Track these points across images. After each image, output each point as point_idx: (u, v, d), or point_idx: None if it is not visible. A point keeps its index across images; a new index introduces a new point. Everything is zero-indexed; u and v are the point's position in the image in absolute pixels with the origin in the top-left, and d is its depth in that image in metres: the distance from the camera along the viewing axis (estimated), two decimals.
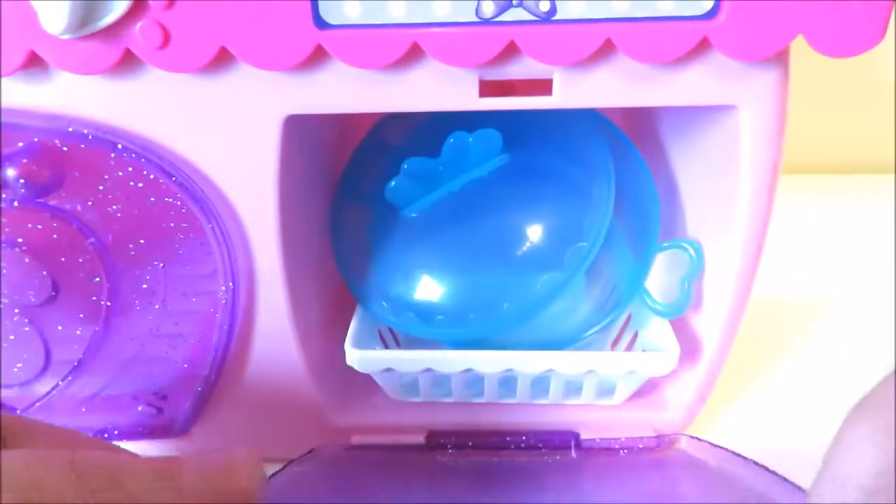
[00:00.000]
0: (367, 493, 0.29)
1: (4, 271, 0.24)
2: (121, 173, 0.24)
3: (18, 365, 0.26)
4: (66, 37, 0.20)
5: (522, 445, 0.30)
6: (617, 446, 0.30)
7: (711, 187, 0.27)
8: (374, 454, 0.30)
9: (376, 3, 0.21)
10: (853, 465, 0.17)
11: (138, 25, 0.21)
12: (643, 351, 0.29)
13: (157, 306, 0.26)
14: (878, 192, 0.51)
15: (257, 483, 0.20)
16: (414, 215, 0.28)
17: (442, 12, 0.21)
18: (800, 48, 0.21)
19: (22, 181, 0.23)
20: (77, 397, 0.27)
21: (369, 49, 0.21)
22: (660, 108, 0.25)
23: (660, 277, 0.29)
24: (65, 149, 0.23)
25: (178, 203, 0.24)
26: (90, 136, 0.23)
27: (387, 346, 0.31)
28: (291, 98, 0.22)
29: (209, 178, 0.24)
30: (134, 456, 0.20)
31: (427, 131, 0.28)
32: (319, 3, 0.20)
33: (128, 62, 0.21)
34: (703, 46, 0.21)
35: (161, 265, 0.25)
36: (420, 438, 0.30)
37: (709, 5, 0.21)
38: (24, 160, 0.23)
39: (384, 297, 0.29)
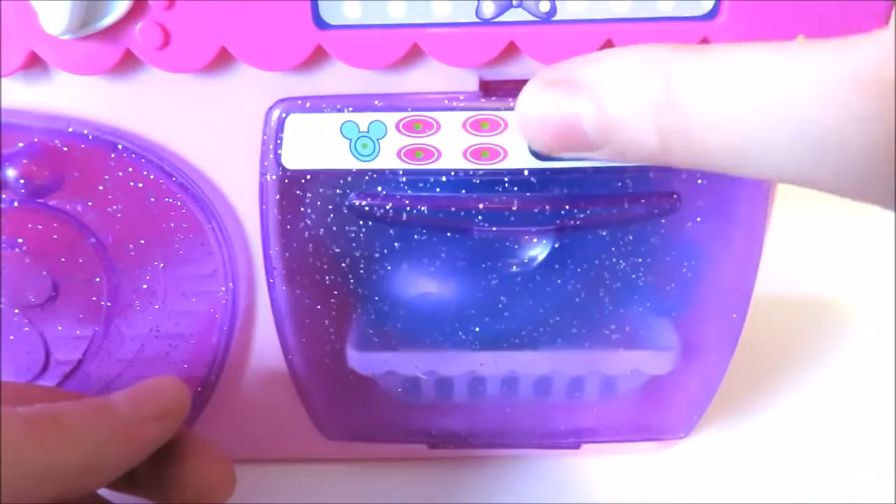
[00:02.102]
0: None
1: (4, 271, 0.24)
2: (121, 173, 0.24)
3: (18, 365, 0.26)
4: (66, 37, 0.20)
5: (524, 447, 0.30)
6: (618, 449, 0.31)
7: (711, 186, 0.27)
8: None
9: (376, 4, 0.21)
10: None
11: (138, 26, 0.21)
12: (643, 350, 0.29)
13: (157, 306, 0.26)
14: None
15: (184, 403, 0.23)
16: None
17: (442, 12, 0.21)
18: None
19: (22, 181, 0.23)
20: None
21: (369, 49, 0.21)
22: None
23: None
24: (65, 149, 0.23)
25: (178, 203, 0.24)
26: (90, 136, 0.23)
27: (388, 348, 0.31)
28: None
29: (209, 178, 0.24)
30: (73, 398, 0.23)
31: None
32: (319, 3, 0.21)
33: (128, 62, 0.21)
34: None
35: (161, 265, 0.25)
36: (421, 441, 0.30)
37: (709, 5, 0.21)
38: (24, 160, 0.23)
39: None
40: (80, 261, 0.25)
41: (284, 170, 0.23)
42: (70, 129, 0.23)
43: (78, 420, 0.20)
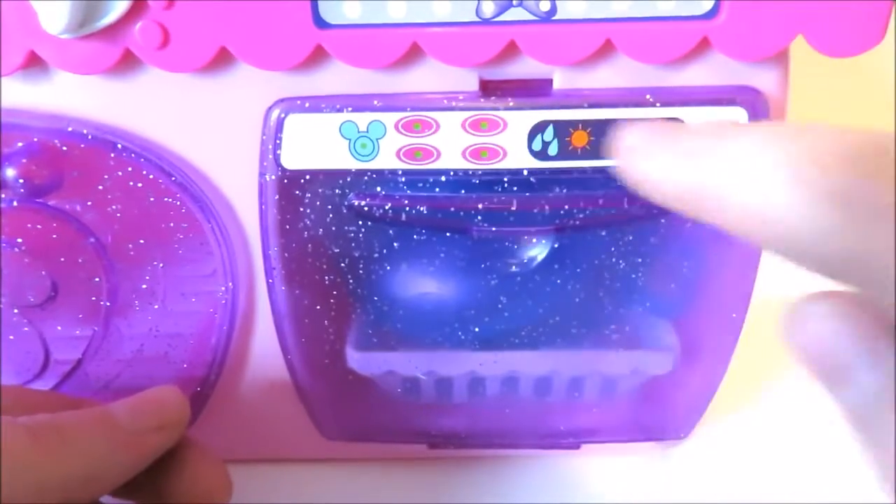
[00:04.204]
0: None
1: (4, 271, 0.24)
2: (121, 173, 0.24)
3: (17, 365, 0.26)
4: (65, 37, 0.20)
5: (524, 447, 0.30)
6: (618, 449, 0.31)
7: None
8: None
9: (376, 3, 0.21)
10: None
11: (138, 25, 0.20)
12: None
13: (156, 306, 0.26)
14: None
15: (185, 413, 0.23)
16: None
17: (442, 12, 0.21)
18: (800, 48, 0.21)
19: (22, 181, 0.23)
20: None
21: (369, 49, 0.21)
22: None
23: None
24: (65, 149, 0.23)
25: (178, 203, 0.24)
26: (90, 136, 0.23)
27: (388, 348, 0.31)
28: None
29: (209, 178, 0.24)
30: (73, 403, 0.23)
31: None
32: (319, 3, 0.20)
33: (128, 62, 0.21)
34: (703, 46, 0.21)
35: (161, 265, 0.25)
36: (421, 441, 0.30)
37: (709, 5, 0.21)
38: (24, 160, 0.23)
39: None
40: (80, 261, 0.25)
41: (284, 170, 0.23)
42: (70, 129, 0.23)
43: (80, 430, 0.20)
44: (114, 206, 0.24)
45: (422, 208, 0.24)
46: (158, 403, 0.22)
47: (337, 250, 0.25)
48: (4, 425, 0.19)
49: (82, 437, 0.20)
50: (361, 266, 0.25)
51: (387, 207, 0.24)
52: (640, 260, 0.26)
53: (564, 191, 0.24)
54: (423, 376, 0.28)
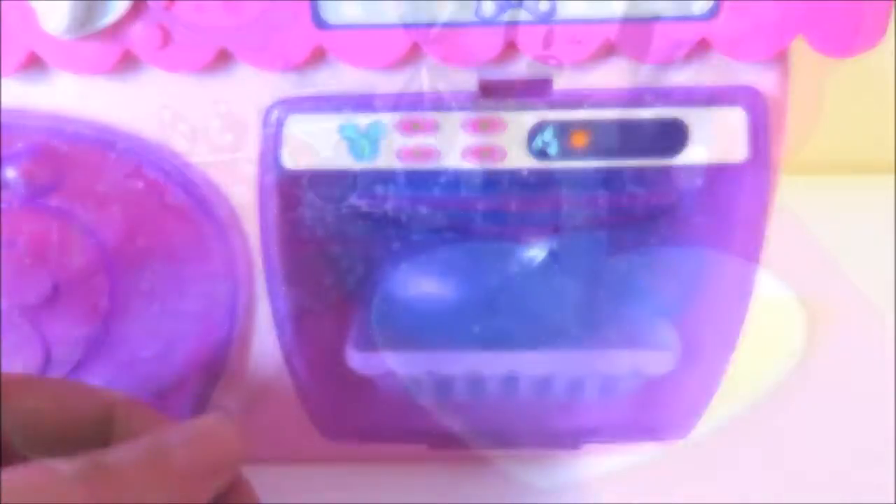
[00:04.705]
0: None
1: (4, 271, 0.24)
2: (121, 173, 0.24)
3: (18, 365, 0.26)
4: (66, 37, 0.20)
5: (524, 447, 0.30)
6: (618, 449, 0.31)
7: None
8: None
9: (376, 3, 0.21)
10: None
11: (138, 26, 0.21)
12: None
13: (156, 306, 0.26)
14: (878, 192, 0.51)
15: (240, 455, 0.21)
16: None
17: (442, 12, 0.21)
18: (800, 48, 0.21)
19: (22, 181, 0.23)
20: None
21: (369, 49, 0.21)
22: None
23: None
24: (65, 149, 0.23)
25: (178, 203, 0.24)
26: (90, 136, 0.23)
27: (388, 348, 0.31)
28: None
29: (209, 178, 0.24)
30: (99, 396, 0.21)
31: None
32: (319, 3, 0.21)
33: (128, 62, 0.21)
34: (702, 46, 0.21)
35: (161, 265, 0.25)
36: (422, 441, 0.30)
37: (709, 6, 0.21)
38: (24, 160, 0.23)
39: None
40: (80, 261, 0.25)
41: (284, 170, 0.23)
42: (70, 129, 0.23)
43: (135, 477, 0.18)
44: (114, 207, 0.24)
45: (422, 208, 0.24)
46: (214, 442, 0.20)
47: (337, 250, 0.25)
48: (58, 481, 0.17)
49: (137, 486, 0.18)
50: (362, 266, 0.25)
51: (387, 207, 0.24)
52: (640, 260, 0.26)
53: (564, 191, 0.24)
54: (423, 376, 0.28)
